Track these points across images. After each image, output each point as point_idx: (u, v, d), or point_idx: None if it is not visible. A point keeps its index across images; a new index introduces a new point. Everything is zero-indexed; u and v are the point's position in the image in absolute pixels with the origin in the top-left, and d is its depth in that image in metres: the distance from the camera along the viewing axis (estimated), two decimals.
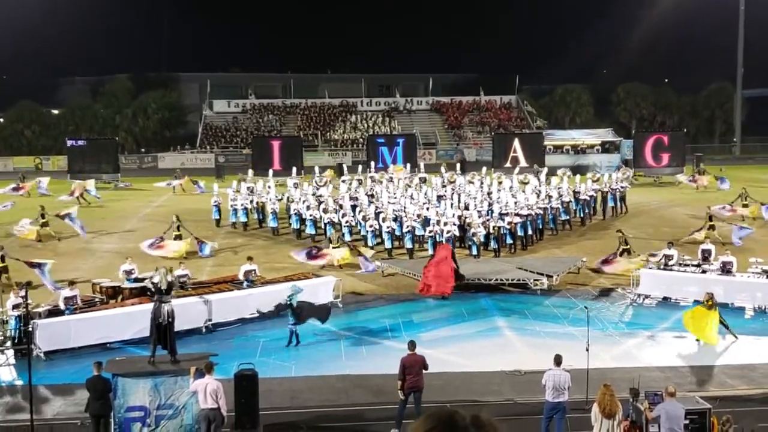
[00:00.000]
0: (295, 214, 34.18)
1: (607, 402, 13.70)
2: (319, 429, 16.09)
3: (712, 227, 32.14)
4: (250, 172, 43.26)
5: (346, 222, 32.28)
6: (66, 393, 17.56)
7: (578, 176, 40.17)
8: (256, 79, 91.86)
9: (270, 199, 36.12)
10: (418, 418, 3.23)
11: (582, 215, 37.10)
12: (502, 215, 31.10)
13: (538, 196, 35.05)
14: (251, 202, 36.81)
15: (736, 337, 20.84)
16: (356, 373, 18.77)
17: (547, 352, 16.61)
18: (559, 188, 36.77)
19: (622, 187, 39.41)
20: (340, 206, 33.56)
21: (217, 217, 37.10)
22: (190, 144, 75.92)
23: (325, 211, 33.09)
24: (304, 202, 34.40)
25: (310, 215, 33.12)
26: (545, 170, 43.26)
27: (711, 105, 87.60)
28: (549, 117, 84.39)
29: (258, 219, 36.92)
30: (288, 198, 36.69)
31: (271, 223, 35.10)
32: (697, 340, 20.47)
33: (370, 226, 31.23)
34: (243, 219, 36.23)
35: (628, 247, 28.32)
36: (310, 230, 33.00)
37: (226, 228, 36.37)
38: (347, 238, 31.58)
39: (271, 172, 43.41)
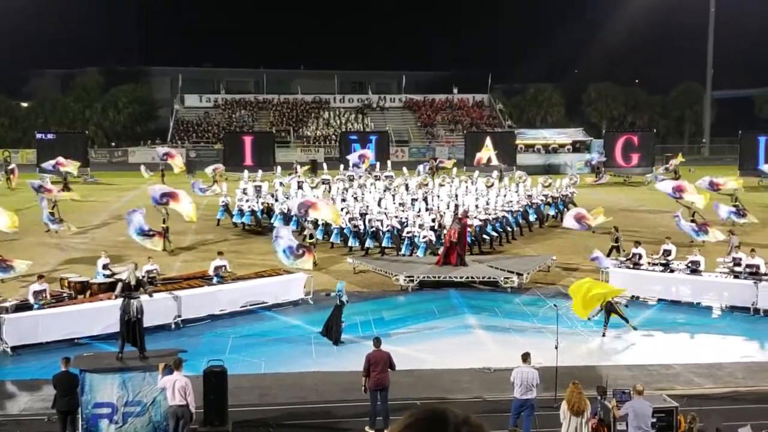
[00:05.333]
0: (288, 214, 34.11)
1: (576, 399, 13.81)
2: (288, 426, 16.06)
3: (693, 221, 32.72)
4: (260, 172, 43.13)
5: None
6: (33, 389, 17.41)
7: (529, 181, 40.48)
8: (228, 73, 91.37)
9: (278, 200, 35.91)
10: (411, 409, 3.27)
11: (534, 219, 36.94)
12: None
13: (504, 198, 35.26)
14: (258, 202, 36.32)
15: (634, 329, 21.32)
16: (326, 370, 18.76)
17: (517, 349, 16.69)
18: (517, 192, 37.15)
19: (571, 193, 39.63)
20: None
21: (221, 217, 36.60)
22: (161, 138, 75.37)
23: None
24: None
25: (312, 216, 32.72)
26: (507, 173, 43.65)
27: (681, 106, 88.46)
28: (521, 116, 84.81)
29: (258, 219, 36.11)
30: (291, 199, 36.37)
31: (277, 223, 34.40)
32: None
33: (355, 227, 31.20)
34: (248, 220, 35.72)
35: (618, 245, 28.49)
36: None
37: (221, 226, 36.23)
38: (336, 239, 31.56)
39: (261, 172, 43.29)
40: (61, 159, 48.80)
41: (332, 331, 20.54)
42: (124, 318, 16.16)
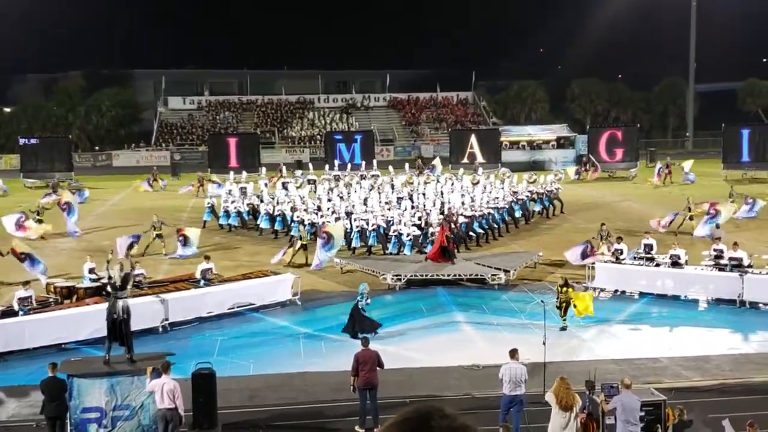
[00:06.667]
0: (273, 214, 34.07)
1: (564, 394, 13.84)
2: (278, 427, 16.05)
3: (691, 218, 32.87)
4: (244, 173, 42.98)
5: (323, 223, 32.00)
6: (21, 395, 17.33)
7: (514, 177, 40.58)
8: (211, 75, 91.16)
9: (264, 201, 35.80)
10: (404, 408, 3.21)
11: (520, 216, 36.93)
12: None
13: (489, 195, 35.35)
14: (244, 204, 36.27)
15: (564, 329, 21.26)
16: (315, 371, 18.76)
17: (505, 346, 16.74)
18: (502, 189, 37.25)
19: (556, 189, 39.82)
20: (319, 208, 33.39)
21: (208, 218, 36.37)
22: (145, 141, 75.13)
23: (306, 211, 32.85)
24: (288, 203, 34.39)
25: (297, 216, 32.61)
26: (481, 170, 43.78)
27: (664, 100, 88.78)
28: (505, 113, 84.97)
29: (245, 220, 36.10)
30: (276, 200, 36.25)
31: (263, 224, 34.51)
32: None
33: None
34: (234, 222, 35.66)
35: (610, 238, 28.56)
36: (294, 231, 32.30)
37: (207, 228, 35.93)
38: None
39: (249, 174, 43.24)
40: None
41: (365, 327, 20.61)
42: (111, 317, 16.05)
